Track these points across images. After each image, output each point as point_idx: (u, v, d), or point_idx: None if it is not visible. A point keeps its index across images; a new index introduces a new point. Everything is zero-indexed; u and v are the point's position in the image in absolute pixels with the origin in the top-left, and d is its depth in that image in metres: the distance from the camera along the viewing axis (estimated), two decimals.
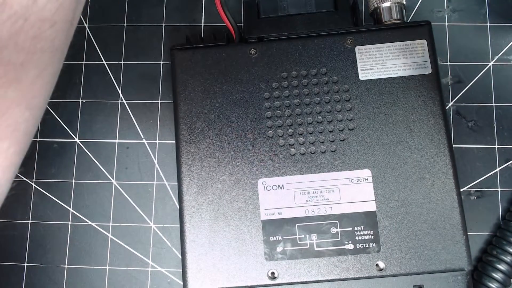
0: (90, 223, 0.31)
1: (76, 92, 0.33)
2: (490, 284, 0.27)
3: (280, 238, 0.26)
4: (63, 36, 0.17)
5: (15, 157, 0.18)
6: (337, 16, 0.29)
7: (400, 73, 0.27)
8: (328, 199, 0.26)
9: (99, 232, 0.31)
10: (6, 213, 0.32)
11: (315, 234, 0.26)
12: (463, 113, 0.31)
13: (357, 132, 0.27)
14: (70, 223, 0.32)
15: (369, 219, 0.26)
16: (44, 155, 0.32)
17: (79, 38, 0.34)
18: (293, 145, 0.27)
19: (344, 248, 0.25)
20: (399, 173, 0.26)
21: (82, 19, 0.34)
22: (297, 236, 0.26)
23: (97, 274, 0.31)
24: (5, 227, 0.32)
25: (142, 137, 0.32)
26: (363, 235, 0.25)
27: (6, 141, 0.17)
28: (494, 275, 0.27)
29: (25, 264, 0.31)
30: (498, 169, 0.30)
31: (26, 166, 0.32)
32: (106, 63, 0.33)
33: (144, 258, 0.31)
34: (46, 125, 0.33)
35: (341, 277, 0.25)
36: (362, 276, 0.25)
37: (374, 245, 0.25)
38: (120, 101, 0.33)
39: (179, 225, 0.27)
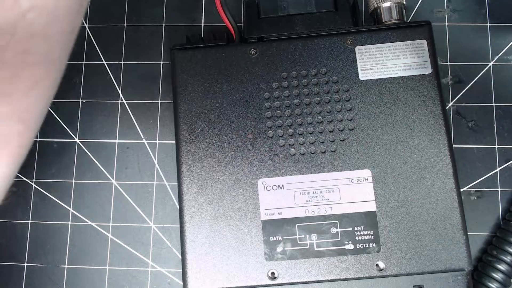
0: (90, 223, 0.31)
1: (76, 92, 0.33)
2: (490, 284, 0.27)
3: (280, 238, 0.26)
4: (58, 48, 0.17)
5: (7, 169, 0.17)
6: (337, 16, 0.29)
7: (400, 73, 0.27)
8: (328, 199, 0.26)
9: (99, 232, 0.31)
10: (6, 213, 0.32)
11: (315, 234, 0.26)
12: (463, 113, 0.31)
13: (357, 132, 0.26)
14: (70, 223, 0.32)
15: (369, 219, 0.25)
16: (44, 155, 0.32)
17: (79, 38, 0.33)
18: (293, 145, 0.27)
19: (344, 248, 0.25)
20: (399, 173, 0.26)
21: (82, 19, 0.34)
22: (297, 236, 0.26)
23: (97, 274, 0.31)
24: (5, 227, 0.32)
25: (142, 137, 0.32)
26: (363, 235, 0.25)
27: None
28: (494, 275, 0.27)
29: (25, 264, 0.31)
30: (498, 169, 0.30)
31: (26, 166, 0.32)
32: (106, 63, 0.33)
33: (144, 258, 0.31)
34: (46, 125, 0.33)
35: (341, 277, 0.25)
36: (362, 276, 0.25)
37: (374, 245, 0.25)
38: (120, 101, 0.33)
39: (179, 225, 0.27)
